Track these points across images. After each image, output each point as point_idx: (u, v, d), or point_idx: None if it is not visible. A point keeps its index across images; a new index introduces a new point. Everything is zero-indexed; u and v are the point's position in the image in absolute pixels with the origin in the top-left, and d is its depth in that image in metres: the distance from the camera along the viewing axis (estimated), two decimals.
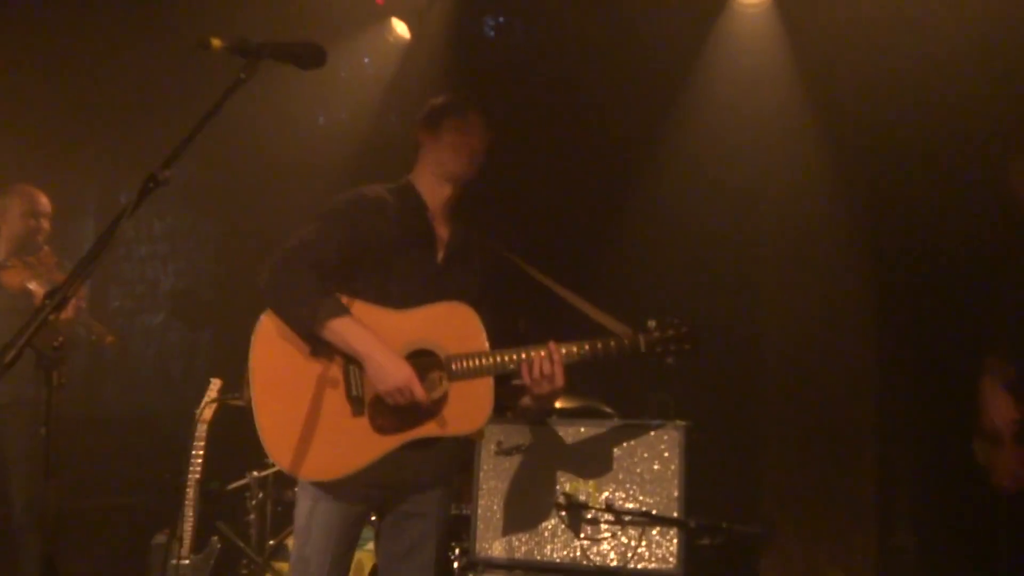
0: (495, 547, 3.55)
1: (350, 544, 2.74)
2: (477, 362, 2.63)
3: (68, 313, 4.06)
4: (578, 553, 3.50)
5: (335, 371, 2.60)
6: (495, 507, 3.59)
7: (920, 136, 4.37)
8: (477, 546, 3.56)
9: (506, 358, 2.64)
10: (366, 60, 5.63)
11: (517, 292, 2.96)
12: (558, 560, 3.51)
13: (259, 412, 2.58)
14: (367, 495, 2.71)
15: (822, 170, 4.64)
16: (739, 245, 4.78)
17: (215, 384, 4.40)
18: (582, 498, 3.45)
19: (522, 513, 3.56)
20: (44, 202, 4.53)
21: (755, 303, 4.86)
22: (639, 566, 3.46)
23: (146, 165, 2.01)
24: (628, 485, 3.50)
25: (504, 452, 3.58)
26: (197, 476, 4.21)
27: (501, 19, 5.54)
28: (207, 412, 4.29)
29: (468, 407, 2.63)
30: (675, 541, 3.45)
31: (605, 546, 3.48)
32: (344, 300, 2.62)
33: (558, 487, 3.53)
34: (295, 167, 5.52)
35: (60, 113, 5.61)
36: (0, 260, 4.44)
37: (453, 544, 3.75)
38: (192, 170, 5.87)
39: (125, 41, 5.48)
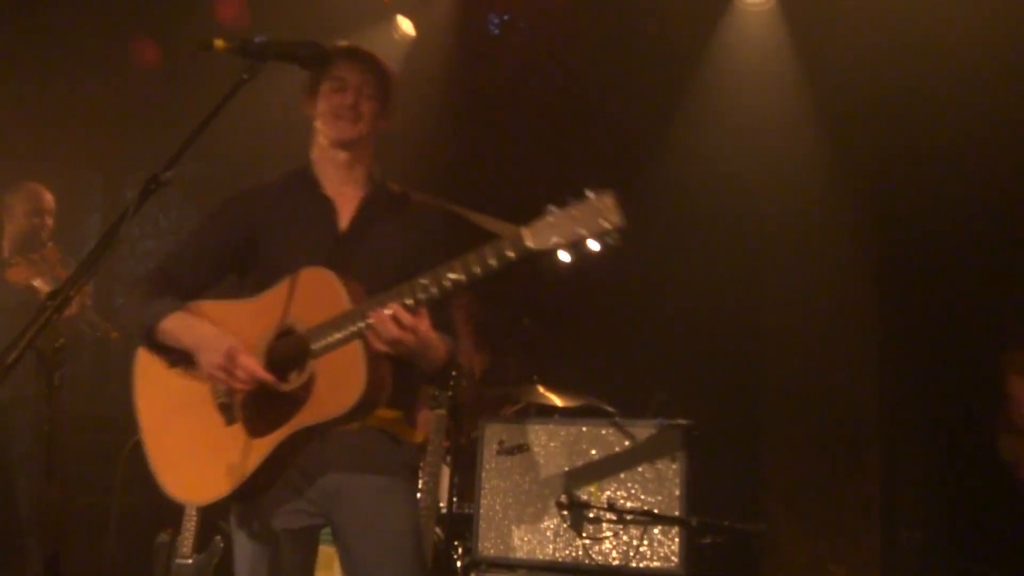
0: (498, 546, 3.56)
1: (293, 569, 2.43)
2: (332, 332, 2.23)
3: (72, 310, 4.07)
4: (580, 552, 3.50)
5: (201, 385, 2.38)
6: (497, 506, 3.59)
7: (925, 131, 4.37)
8: (479, 545, 3.57)
9: (358, 323, 2.21)
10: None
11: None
12: (560, 559, 3.52)
13: (148, 450, 2.41)
14: (291, 520, 2.38)
15: (826, 167, 4.65)
16: (742, 243, 4.78)
17: None
18: (584, 497, 3.45)
19: (524, 512, 3.57)
20: (48, 199, 4.54)
21: (758, 301, 4.86)
22: (641, 565, 3.47)
23: (151, 160, 2.02)
24: (630, 484, 3.51)
25: (506, 451, 3.59)
26: None
27: (506, 16, 5.54)
28: None
29: (338, 384, 2.23)
30: (677, 540, 3.46)
31: (607, 545, 3.49)
32: (201, 303, 2.41)
33: (560, 486, 3.54)
34: (297, 161, 5.50)
35: (66, 110, 5.62)
36: (5, 257, 4.46)
37: (456, 543, 3.76)
38: (197, 165, 5.88)
39: (131, 39, 5.49)
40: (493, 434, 3.63)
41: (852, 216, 4.65)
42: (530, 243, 2.08)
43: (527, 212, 2.15)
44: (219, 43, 2.18)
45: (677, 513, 3.44)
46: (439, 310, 2.37)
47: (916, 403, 4.55)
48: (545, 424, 3.63)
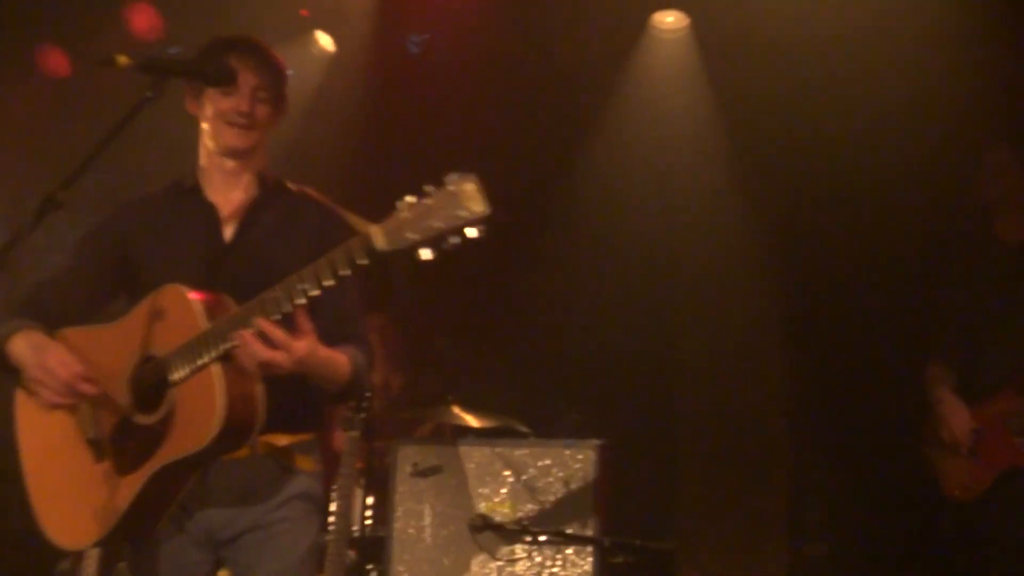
0: (412, 569, 3.54)
1: None
2: (191, 357, 2.03)
3: None
4: (494, 574, 3.50)
5: (68, 422, 2.23)
6: (411, 529, 3.57)
7: (835, 154, 4.50)
8: (393, 569, 3.55)
9: (220, 345, 2.00)
10: (290, 72, 5.56)
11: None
12: None
13: (30, 493, 2.28)
14: (164, 550, 2.20)
15: (737, 193, 4.75)
16: (655, 266, 4.86)
17: None
18: (497, 519, 3.45)
19: (439, 535, 3.55)
20: None
21: (671, 323, 4.94)
22: None
23: (56, 174, 1.96)
24: (543, 504, 3.52)
25: (419, 473, 3.57)
26: None
27: (426, 36, 5.53)
28: None
29: (195, 413, 2.04)
30: (590, 559, 3.48)
31: (521, 566, 3.49)
32: (64, 330, 2.24)
33: (474, 508, 3.53)
34: (183, 171, 5.41)
35: None
36: None
37: (370, 567, 3.72)
38: (108, 177, 5.73)
39: (39, 47, 5.33)
40: (406, 456, 3.61)
41: (762, 239, 4.76)
42: (381, 244, 1.80)
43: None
44: (122, 59, 2.13)
45: (590, 533, 3.47)
46: (347, 322, 2.24)
47: (822, 421, 4.67)
48: (459, 445, 3.63)
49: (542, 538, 3.44)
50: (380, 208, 1.94)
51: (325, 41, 5.37)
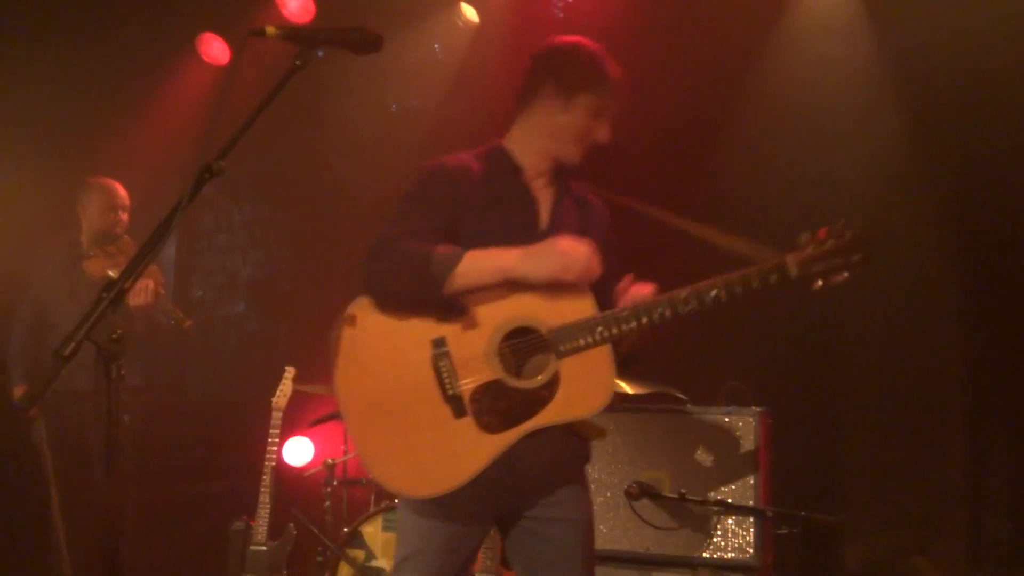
0: None
1: (459, 567, 2.42)
2: (587, 336, 2.28)
3: (148, 299, 4.15)
4: (652, 543, 3.43)
5: (425, 374, 2.31)
6: None
7: (1015, 104, 4.15)
8: None
9: (621, 327, 2.28)
10: (436, 46, 5.61)
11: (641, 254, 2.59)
12: (632, 550, 3.45)
13: (359, 442, 2.32)
14: (479, 509, 2.39)
15: (906, 149, 4.46)
16: (818, 226, 4.61)
17: (290, 372, 4.46)
18: (655, 486, 3.37)
19: (594, 501, 3.50)
20: (123, 195, 4.63)
21: (837, 286, 4.68)
22: (715, 556, 3.38)
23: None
24: (703, 473, 3.42)
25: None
26: (273, 463, 4.27)
27: (570, 0, 5.45)
28: (282, 400, 4.36)
29: (585, 386, 2.29)
30: (752, 530, 3.36)
31: (679, 535, 3.41)
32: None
33: (630, 475, 3.46)
34: (369, 155, 5.54)
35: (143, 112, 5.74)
36: (84, 250, 4.57)
37: None
38: (266, 161, 5.95)
39: (200, 36, 5.57)
40: None
41: (935, 197, 4.46)
42: (794, 272, 2.28)
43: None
44: (271, 30, 2.15)
45: (752, 503, 3.35)
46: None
47: (1005, 388, 4.34)
48: (615, 412, 3.57)
49: (702, 507, 3.34)
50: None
51: (470, 12, 5.38)
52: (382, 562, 3.94)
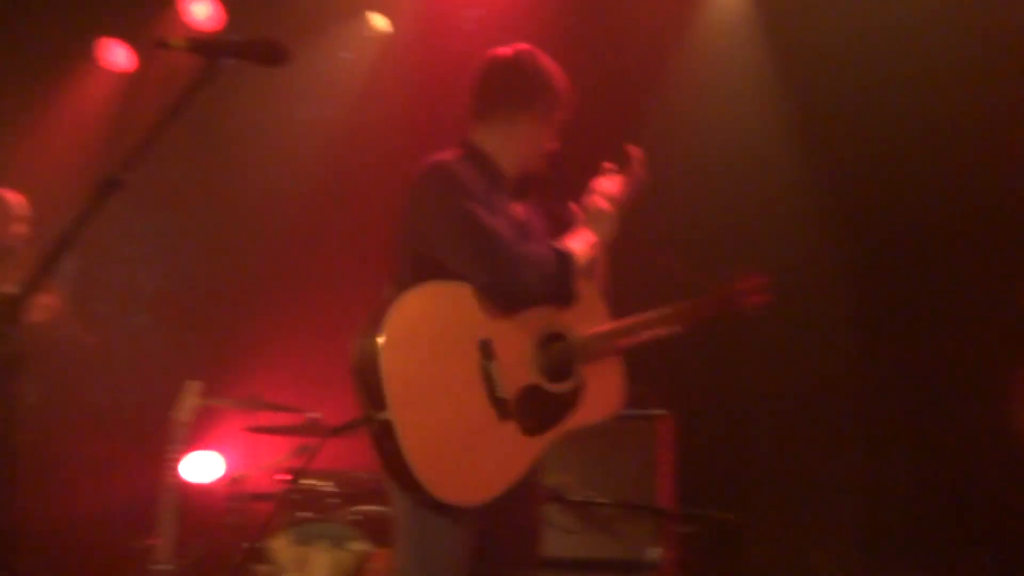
0: None
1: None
2: (610, 341, 2.46)
3: (47, 315, 4.03)
4: (559, 545, 3.49)
5: (472, 372, 2.29)
6: None
7: (901, 111, 4.37)
8: None
9: (640, 334, 2.51)
10: (345, 55, 5.60)
11: None
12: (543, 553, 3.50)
13: (403, 431, 2.19)
14: (493, 510, 2.32)
15: (800, 154, 4.65)
16: (716, 232, 4.77)
17: (193, 386, 4.37)
18: (562, 490, 3.44)
19: None
20: (18, 206, 4.45)
21: None
22: (620, 556, 3.46)
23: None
24: (607, 475, 3.50)
25: None
26: (176, 479, 4.19)
27: (480, 11, 5.51)
28: (185, 415, 4.27)
29: (604, 389, 2.45)
30: (654, 529, 3.45)
31: (586, 537, 3.48)
32: (460, 287, 2.34)
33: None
34: (276, 165, 5.50)
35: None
36: None
37: None
38: (173, 169, 5.84)
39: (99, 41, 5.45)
40: None
41: (829, 205, 4.66)
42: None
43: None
44: (176, 41, 2.14)
45: (654, 504, 3.44)
46: None
47: (893, 389, 4.56)
48: None
49: (607, 509, 3.41)
50: None
51: (380, 22, 5.40)
52: None
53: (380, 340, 2.22)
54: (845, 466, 4.62)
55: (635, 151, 2.59)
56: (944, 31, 4.16)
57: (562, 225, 2.58)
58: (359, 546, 4.02)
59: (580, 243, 2.46)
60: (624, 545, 3.47)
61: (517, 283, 2.31)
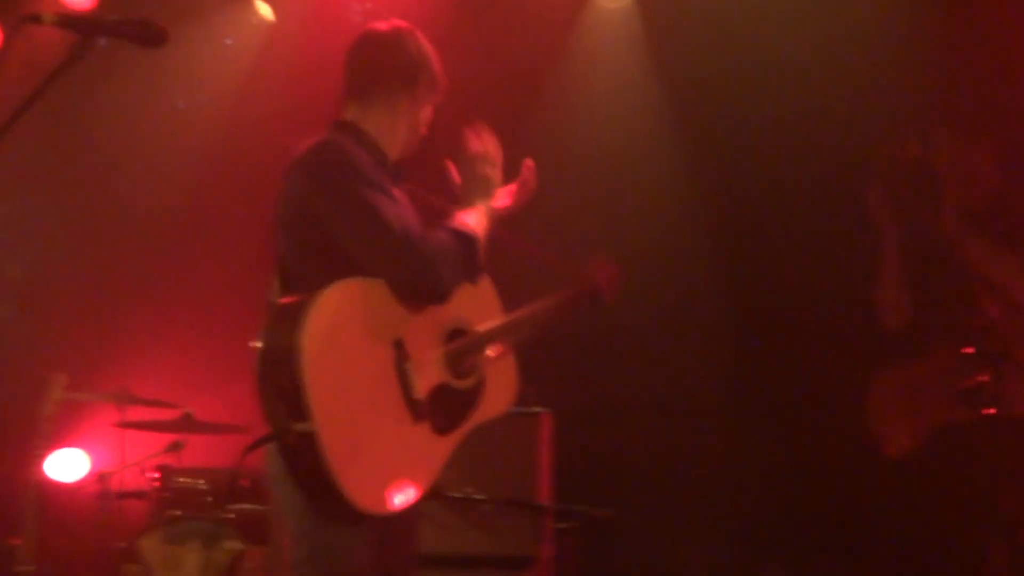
0: None
1: None
2: (508, 335, 2.43)
3: None
4: (440, 541, 3.49)
5: (388, 374, 2.19)
6: None
7: (783, 132, 4.54)
8: None
9: (532, 326, 2.51)
10: (228, 41, 5.46)
11: None
12: (421, 549, 3.50)
13: (328, 443, 2.04)
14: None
15: (681, 170, 4.79)
16: (598, 239, 4.86)
17: (59, 380, 4.19)
18: (441, 486, 3.44)
19: None
20: None
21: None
22: (499, 551, 3.49)
23: None
24: (487, 472, 3.52)
25: None
26: (40, 477, 4.02)
27: (368, 4, 5.46)
28: (49, 409, 4.09)
29: (502, 382, 2.43)
30: (534, 526, 3.50)
31: (465, 533, 3.49)
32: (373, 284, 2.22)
33: None
34: (152, 151, 5.32)
35: None
36: None
37: None
38: (42, 152, 5.57)
39: None
40: None
41: (708, 218, 4.81)
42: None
43: None
44: (48, 16, 2.05)
45: (535, 501, 3.49)
46: None
47: (759, 390, 4.74)
48: None
49: (487, 505, 3.44)
50: None
51: (264, 10, 5.29)
52: None
53: (301, 345, 2.06)
54: (716, 464, 4.78)
55: (528, 163, 2.57)
56: (840, 54, 4.34)
57: (429, 211, 2.49)
58: (232, 545, 3.94)
59: (475, 218, 2.36)
60: (503, 541, 3.50)
61: (432, 280, 2.22)
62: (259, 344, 2.15)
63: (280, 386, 2.08)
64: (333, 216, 2.24)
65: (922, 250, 3.58)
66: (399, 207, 2.28)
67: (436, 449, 2.26)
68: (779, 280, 4.69)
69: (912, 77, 4.15)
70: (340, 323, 2.13)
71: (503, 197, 2.50)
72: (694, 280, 4.80)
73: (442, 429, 2.27)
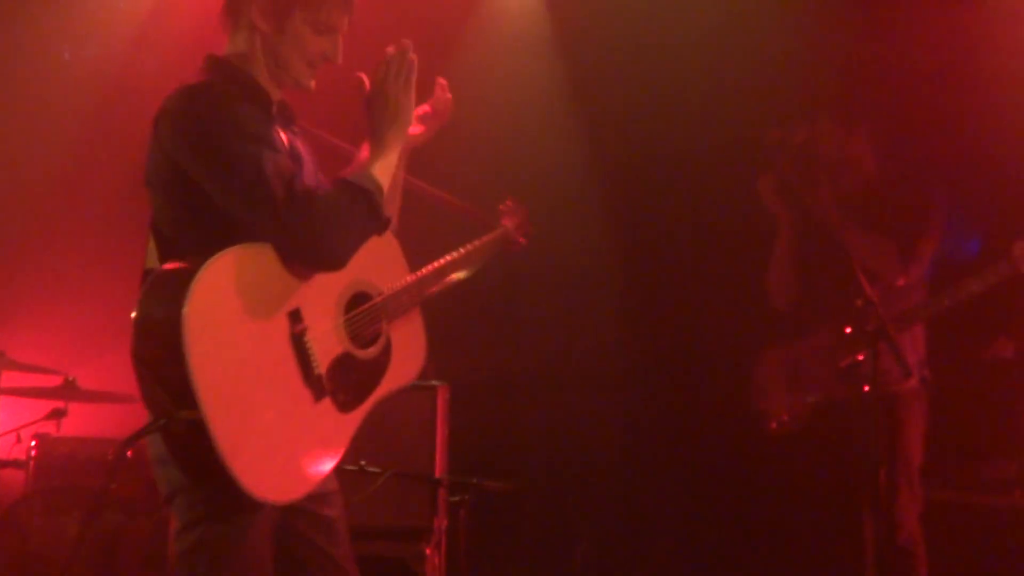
0: None
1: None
2: (410, 296, 2.25)
3: None
4: None
5: (284, 348, 1.98)
6: None
7: (684, 131, 4.61)
8: None
9: (440, 282, 2.38)
10: None
11: None
12: None
13: (218, 431, 1.84)
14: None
15: (580, 164, 4.84)
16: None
17: None
18: None
19: None
20: None
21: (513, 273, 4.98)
22: (393, 523, 3.49)
23: None
24: (383, 444, 3.50)
25: None
26: None
27: None
28: None
29: (409, 348, 2.25)
30: (429, 498, 3.51)
31: (361, 506, 3.47)
32: (262, 250, 1.99)
33: None
34: (36, 105, 5.05)
35: None
36: None
37: None
38: None
39: None
40: None
41: (599, 196, 4.88)
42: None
43: None
44: None
45: (431, 472, 3.49)
46: None
47: (652, 368, 4.85)
48: None
49: (382, 477, 3.43)
50: None
51: None
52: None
53: (183, 324, 1.82)
54: (609, 438, 4.88)
55: (441, 81, 2.46)
56: (743, 55, 4.43)
57: (329, 154, 2.33)
58: (113, 517, 3.82)
59: (382, 162, 2.09)
60: (397, 512, 3.50)
61: (322, 247, 1.98)
62: (135, 315, 1.92)
63: (161, 369, 1.88)
64: (205, 176, 1.98)
65: (807, 233, 3.73)
66: (283, 159, 2.01)
67: (340, 427, 2.09)
68: (672, 257, 4.79)
69: (805, 66, 4.26)
70: (226, 298, 1.91)
71: (416, 123, 2.33)
72: (589, 254, 4.86)
73: (346, 405, 2.09)
